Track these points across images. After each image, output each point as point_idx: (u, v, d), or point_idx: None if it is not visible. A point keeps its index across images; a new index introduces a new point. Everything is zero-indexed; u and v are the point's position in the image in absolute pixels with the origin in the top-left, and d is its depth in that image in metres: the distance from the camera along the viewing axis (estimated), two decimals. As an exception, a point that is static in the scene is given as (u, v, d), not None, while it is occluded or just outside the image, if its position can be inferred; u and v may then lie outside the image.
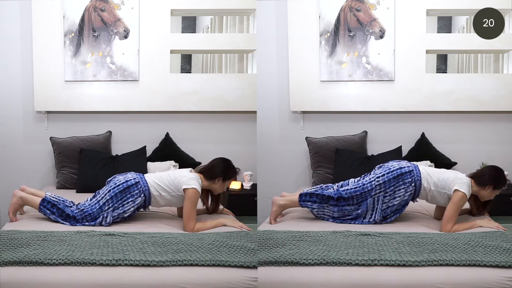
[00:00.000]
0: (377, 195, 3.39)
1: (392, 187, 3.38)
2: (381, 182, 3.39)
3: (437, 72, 4.69)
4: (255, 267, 2.67)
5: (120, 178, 3.41)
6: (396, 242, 2.93)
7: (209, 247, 2.85)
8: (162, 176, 3.40)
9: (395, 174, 3.39)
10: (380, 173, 3.43)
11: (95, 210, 3.34)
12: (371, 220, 3.40)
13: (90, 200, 3.41)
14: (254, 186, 4.43)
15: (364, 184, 3.43)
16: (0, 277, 2.57)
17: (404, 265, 2.65)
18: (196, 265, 2.66)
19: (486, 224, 3.29)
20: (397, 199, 3.39)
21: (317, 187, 3.53)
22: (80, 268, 2.62)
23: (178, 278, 2.60)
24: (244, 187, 4.41)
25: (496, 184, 3.38)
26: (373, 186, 3.40)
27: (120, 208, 3.34)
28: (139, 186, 3.36)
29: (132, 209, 3.35)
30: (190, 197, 3.28)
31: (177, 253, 2.75)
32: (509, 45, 4.48)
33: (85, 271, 2.61)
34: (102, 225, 3.33)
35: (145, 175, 3.43)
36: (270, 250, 2.82)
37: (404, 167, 3.41)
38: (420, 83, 4.54)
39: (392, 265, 2.65)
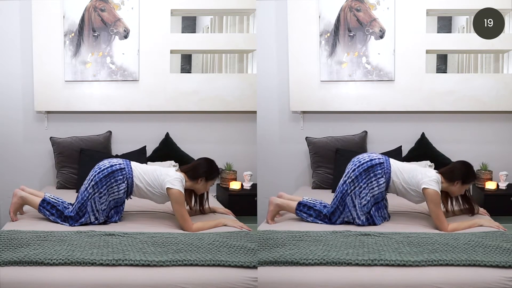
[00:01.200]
0: (353, 191, 3.36)
1: (364, 180, 3.34)
2: (353, 177, 3.37)
3: (437, 72, 4.68)
4: (255, 267, 2.67)
5: (105, 162, 3.40)
6: (396, 242, 2.93)
7: (209, 247, 2.85)
8: (149, 171, 3.38)
9: (365, 167, 3.36)
10: (351, 168, 3.41)
11: (85, 198, 3.33)
12: (358, 220, 3.33)
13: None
14: (254, 186, 4.43)
15: (339, 188, 3.42)
16: (0, 277, 2.57)
17: (404, 265, 2.65)
18: (196, 265, 2.66)
19: (486, 224, 3.29)
20: (376, 189, 3.34)
21: (316, 201, 3.48)
22: (80, 268, 2.62)
23: (178, 278, 2.60)
24: (244, 187, 4.41)
25: (465, 179, 3.35)
26: (348, 184, 3.38)
27: (106, 194, 3.32)
28: (123, 172, 3.34)
29: (117, 196, 3.33)
30: (176, 200, 3.25)
31: (177, 253, 2.75)
32: (509, 45, 4.48)
33: (85, 271, 2.61)
34: (96, 216, 3.31)
35: (132, 163, 3.41)
36: (270, 250, 2.82)
37: (375, 159, 3.39)
38: (420, 83, 4.53)
39: (392, 265, 2.66)
